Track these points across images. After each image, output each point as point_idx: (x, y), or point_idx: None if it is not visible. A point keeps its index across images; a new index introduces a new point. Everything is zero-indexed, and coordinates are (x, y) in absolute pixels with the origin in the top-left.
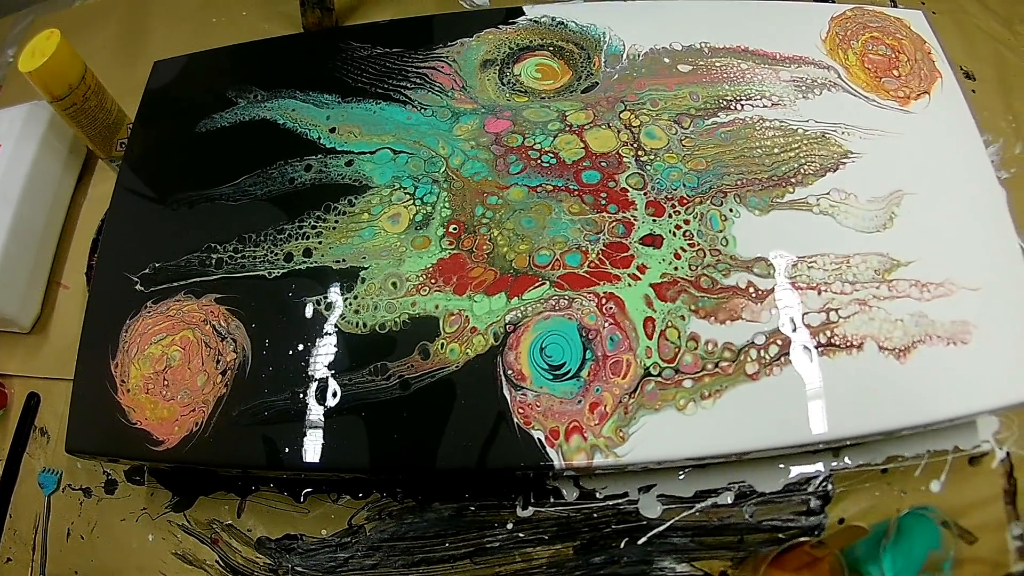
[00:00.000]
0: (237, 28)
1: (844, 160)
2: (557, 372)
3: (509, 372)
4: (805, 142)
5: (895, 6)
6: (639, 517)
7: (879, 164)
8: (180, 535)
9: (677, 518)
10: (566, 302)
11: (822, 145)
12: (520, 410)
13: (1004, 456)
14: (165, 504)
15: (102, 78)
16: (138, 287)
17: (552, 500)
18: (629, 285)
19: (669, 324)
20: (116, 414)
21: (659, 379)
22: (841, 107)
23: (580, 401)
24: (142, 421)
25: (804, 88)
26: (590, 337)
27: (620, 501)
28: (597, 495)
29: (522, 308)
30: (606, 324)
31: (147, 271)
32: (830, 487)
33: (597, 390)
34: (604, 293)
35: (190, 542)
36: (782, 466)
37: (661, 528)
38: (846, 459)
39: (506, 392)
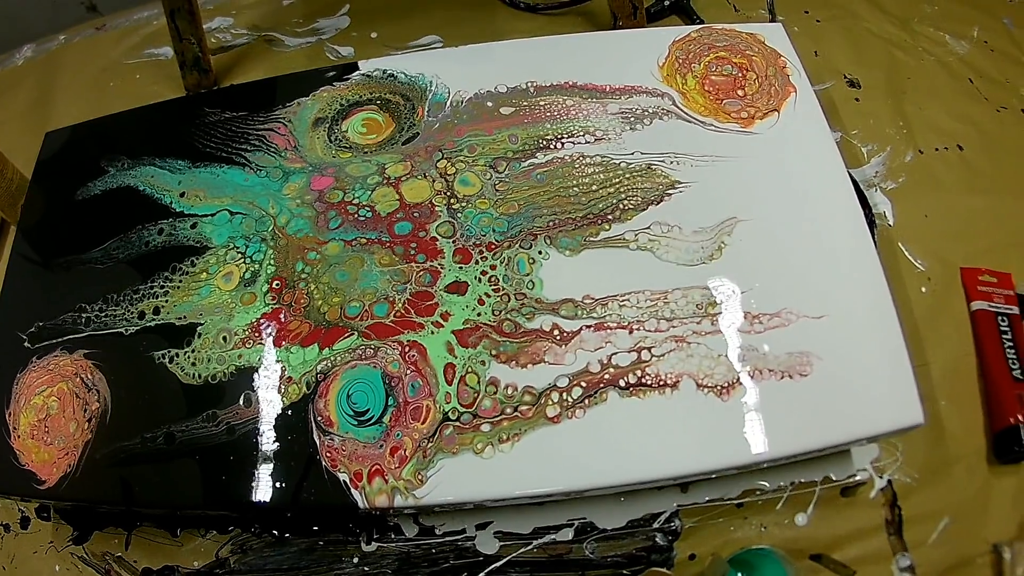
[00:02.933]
0: (129, 92)
1: (670, 191)
2: (361, 418)
3: (319, 419)
4: (627, 176)
5: (773, 19)
6: (477, 553)
7: (711, 192)
8: (80, 566)
9: (515, 554)
10: (372, 351)
11: (646, 177)
12: (328, 454)
13: (885, 485)
14: (68, 538)
15: (13, 145)
16: (26, 344)
17: (394, 536)
18: (432, 332)
19: (469, 370)
20: (10, 457)
21: (457, 424)
22: (673, 135)
23: (382, 446)
24: (29, 463)
25: (632, 119)
26: (392, 384)
27: (458, 537)
28: (436, 531)
29: (332, 358)
30: (408, 371)
31: (33, 329)
32: (678, 523)
33: (398, 435)
34: (408, 341)
35: (88, 572)
36: (624, 500)
37: (498, 564)
38: (696, 494)
39: (316, 437)
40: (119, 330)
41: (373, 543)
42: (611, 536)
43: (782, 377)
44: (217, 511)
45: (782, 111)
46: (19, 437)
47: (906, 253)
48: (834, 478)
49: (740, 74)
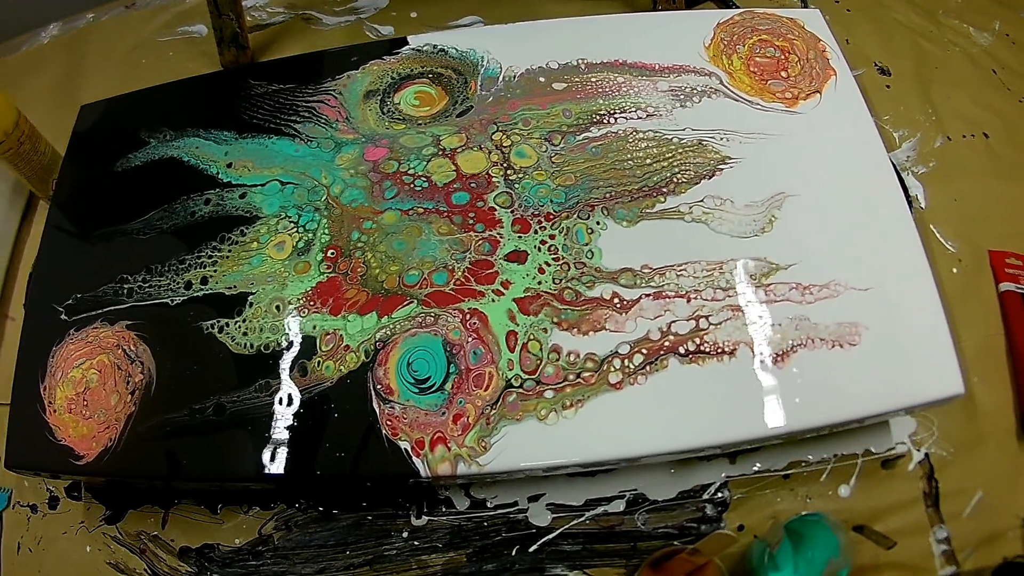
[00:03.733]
0: (163, 69)
1: (721, 166)
2: (423, 386)
3: (378, 387)
4: (680, 151)
5: (805, 5)
6: (529, 525)
7: (760, 167)
8: (113, 546)
9: (567, 526)
10: (432, 319)
11: (698, 153)
12: (388, 422)
13: (922, 458)
14: (100, 517)
15: (43, 121)
16: (63, 316)
17: (444, 509)
18: (493, 300)
19: (531, 337)
20: (45, 432)
21: (520, 390)
22: (721, 113)
23: (444, 413)
24: (66, 438)
25: (682, 97)
26: (454, 352)
27: (510, 510)
28: (488, 504)
29: (391, 326)
30: (470, 339)
31: (71, 301)
32: (726, 494)
33: (460, 402)
34: (468, 309)
35: (122, 552)
36: (674, 472)
37: (551, 536)
38: (744, 465)
39: (375, 405)
40: (164, 300)
41: (423, 517)
42: (662, 507)
43: (833, 346)
44: (270, 484)
45: (824, 93)
46: (55, 412)
47: (937, 235)
48: (874, 451)
49: (783, 56)
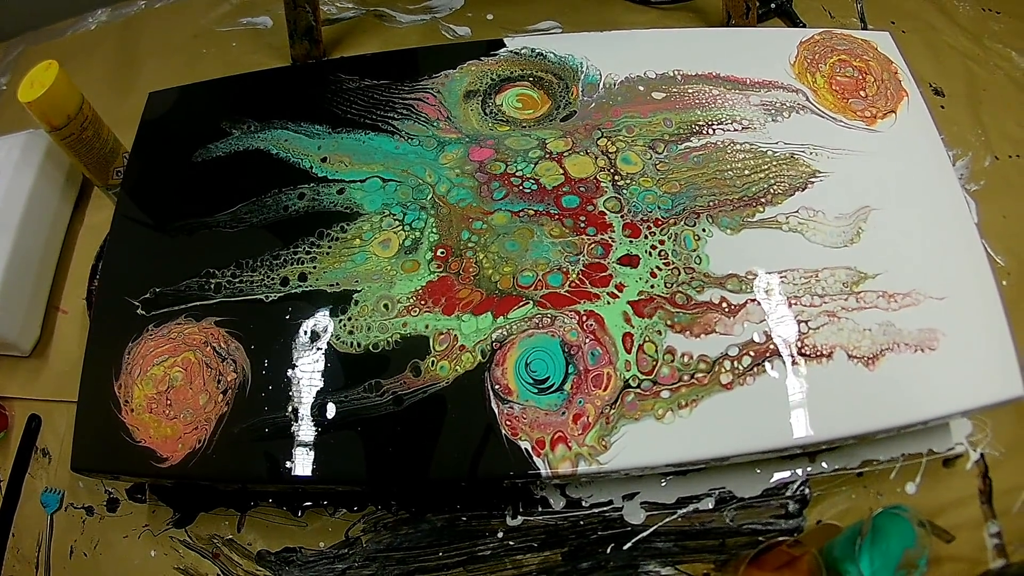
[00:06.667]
0: (227, 60)
1: (812, 179)
2: (542, 386)
3: (496, 387)
4: (774, 163)
5: (865, 27)
6: (624, 523)
7: (846, 182)
8: (182, 550)
9: (660, 524)
10: (549, 320)
11: (791, 166)
12: (508, 422)
13: (978, 457)
14: (166, 521)
15: (96, 108)
16: (139, 311)
17: (540, 509)
18: (608, 303)
19: (647, 339)
20: (120, 433)
21: (638, 391)
22: (809, 128)
23: (564, 413)
24: (146, 439)
25: (773, 111)
26: (572, 352)
27: (605, 509)
28: (583, 503)
29: (507, 326)
30: (587, 340)
31: (148, 296)
32: (807, 491)
33: (580, 402)
34: (585, 311)
35: (192, 557)
36: (759, 471)
37: (645, 533)
38: (823, 464)
39: (494, 406)
40: (258, 297)
41: (519, 517)
42: (748, 504)
43: (915, 350)
44: (383, 487)
45: (898, 113)
46: (132, 411)
47: (988, 249)
48: (936, 451)
49: (860, 76)
